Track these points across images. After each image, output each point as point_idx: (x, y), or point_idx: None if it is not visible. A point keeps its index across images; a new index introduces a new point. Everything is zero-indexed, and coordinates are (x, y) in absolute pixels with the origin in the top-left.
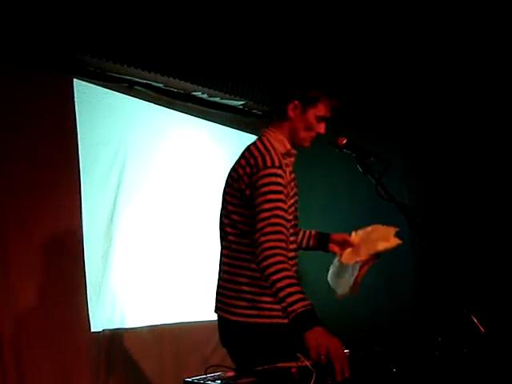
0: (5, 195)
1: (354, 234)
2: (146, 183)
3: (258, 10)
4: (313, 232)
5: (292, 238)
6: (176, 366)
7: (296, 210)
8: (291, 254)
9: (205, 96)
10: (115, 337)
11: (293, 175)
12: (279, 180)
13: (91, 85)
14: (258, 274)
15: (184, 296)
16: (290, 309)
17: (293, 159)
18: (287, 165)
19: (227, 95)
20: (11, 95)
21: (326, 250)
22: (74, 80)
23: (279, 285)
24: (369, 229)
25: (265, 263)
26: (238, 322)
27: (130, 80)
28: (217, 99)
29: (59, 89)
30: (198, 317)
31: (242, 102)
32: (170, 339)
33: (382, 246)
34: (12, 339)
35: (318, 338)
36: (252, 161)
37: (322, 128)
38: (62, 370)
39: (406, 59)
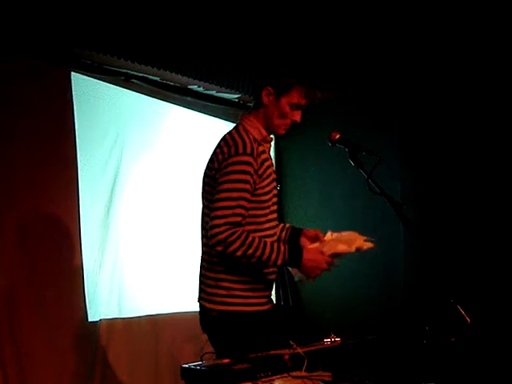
0: (2, 186)
1: (329, 233)
2: (143, 175)
3: (252, 3)
4: (287, 225)
5: (272, 224)
6: (172, 354)
7: (274, 196)
8: (268, 240)
9: (201, 89)
10: (112, 326)
11: (270, 161)
12: (248, 168)
13: (89, 78)
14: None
15: (180, 286)
16: (279, 262)
17: (269, 145)
18: (264, 151)
19: (223, 88)
20: (9, 88)
21: (297, 243)
22: (72, 73)
23: (257, 253)
24: (345, 233)
25: (233, 246)
26: (217, 310)
27: (127, 73)
28: (212, 92)
29: (57, 82)
30: (194, 307)
31: (238, 96)
32: (166, 328)
33: (340, 248)
34: (10, 329)
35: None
36: (225, 149)
37: (297, 116)
38: (60, 359)
39: (402, 53)
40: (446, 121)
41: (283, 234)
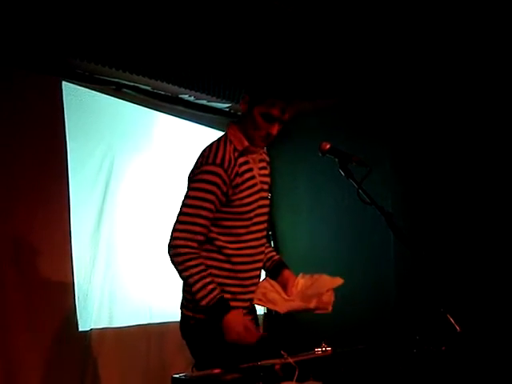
0: None
1: (300, 275)
2: (134, 185)
3: (243, 14)
4: (276, 257)
5: (256, 235)
6: (163, 364)
7: (260, 207)
8: (249, 251)
9: (191, 99)
10: (103, 336)
11: (253, 172)
12: (215, 179)
13: (80, 87)
14: (215, 272)
15: (171, 295)
16: (202, 303)
17: (255, 156)
18: (246, 162)
19: (213, 98)
20: (0, 97)
21: (275, 278)
22: (63, 82)
23: (190, 281)
24: (316, 276)
25: (179, 259)
26: (194, 318)
27: (118, 83)
28: (203, 102)
29: (48, 91)
30: None
31: (228, 105)
32: (157, 338)
33: (296, 305)
34: (0, 338)
35: (231, 325)
36: (200, 159)
37: (272, 129)
38: (50, 368)
39: (394, 63)
40: (437, 131)
41: (268, 263)
